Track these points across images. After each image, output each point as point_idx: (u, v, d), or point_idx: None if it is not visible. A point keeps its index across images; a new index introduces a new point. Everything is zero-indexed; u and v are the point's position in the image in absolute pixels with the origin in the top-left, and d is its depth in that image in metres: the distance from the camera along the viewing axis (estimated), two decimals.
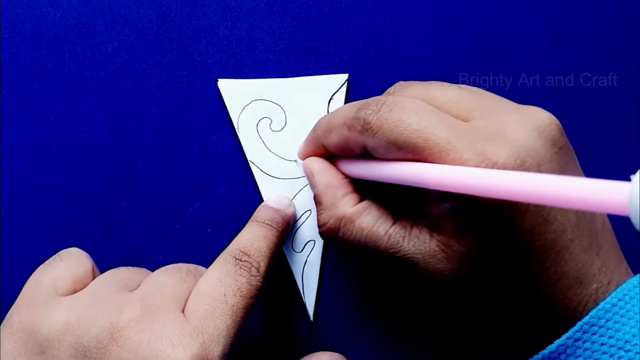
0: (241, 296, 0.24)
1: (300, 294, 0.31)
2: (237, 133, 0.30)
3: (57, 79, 0.31)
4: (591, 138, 0.31)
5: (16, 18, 0.30)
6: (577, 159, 0.25)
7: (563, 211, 0.23)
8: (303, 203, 0.31)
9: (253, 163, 0.31)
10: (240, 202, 0.31)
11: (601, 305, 0.23)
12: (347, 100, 0.31)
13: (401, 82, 0.27)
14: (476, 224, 0.23)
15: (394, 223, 0.25)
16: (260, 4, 0.31)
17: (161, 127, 0.31)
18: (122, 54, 0.31)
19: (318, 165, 0.27)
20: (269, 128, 0.30)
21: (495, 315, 0.25)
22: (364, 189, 0.27)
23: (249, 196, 0.31)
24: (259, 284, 0.25)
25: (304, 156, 0.28)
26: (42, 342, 0.23)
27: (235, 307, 0.24)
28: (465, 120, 0.24)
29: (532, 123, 0.23)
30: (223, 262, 0.25)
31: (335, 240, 0.26)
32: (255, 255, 0.26)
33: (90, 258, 0.26)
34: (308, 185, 0.30)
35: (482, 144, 0.22)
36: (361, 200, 0.26)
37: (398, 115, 0.23)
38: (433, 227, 0.24)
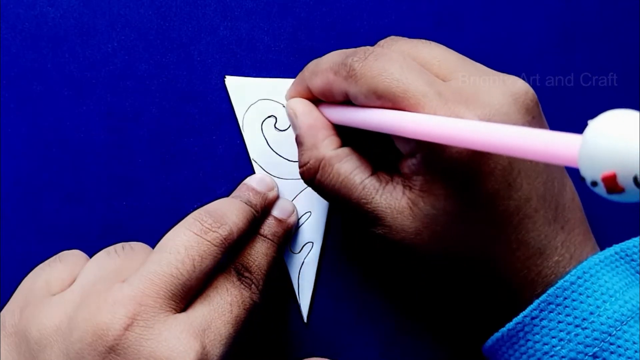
0: (244, 309, 0.25)
1: (296, 296, 0.31)
2: (242, 131, 0.30)
3: (57, 79, 0.31)
4: None
5: (16, 18, 0.30)
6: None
7: (530, 179, 0.23)
8: (303, 204, 0.31)
9: (256, 162, 0.31)
10: None
11: (559, 283, 0.23)
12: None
13: (392, 37, 0.27)
14: (441, 182, 0.23)
15: (371, 175, 0.25)
16: (260, 4, 0.31)
17: (161, 127, 0.31)
18: (122, 54, 0.31)
19: (302, 106, 0.28)
20: (274, 127, 0.30)
21: (456, 285, 0.25)
22: (348, 139, 0.27)
23: None
24: (258, 301, 0.26)
25: (290, 97, 0.29)
26: (33, 346, 0.23)
27: (238, 317, 0.25)
28: (444, 80, 0.25)
29: (508, 89, 0.24)
30: (228, 274, 0.26)
31: (313, 182, 0.26)
32: (256, 273, 0.27)
33: (85, 256, 0.26)
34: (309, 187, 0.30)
35: (455, 103, 0.23)
36: (342, 146, 0.26)
37: (382, 64, 0.24)
38: (406, 184, 0.24)
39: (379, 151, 0.26)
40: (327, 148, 0.26)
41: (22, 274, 0.26)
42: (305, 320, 0.31)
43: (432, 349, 0.31)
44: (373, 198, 0.25)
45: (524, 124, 0.23)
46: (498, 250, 0.24)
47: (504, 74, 0.25)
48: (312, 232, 0.31)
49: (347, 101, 0.26)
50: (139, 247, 0.26)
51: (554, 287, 0.23)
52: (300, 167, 0.27)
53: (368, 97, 0.24)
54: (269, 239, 0.28)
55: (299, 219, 0.31)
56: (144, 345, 0.22)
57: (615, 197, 0.15)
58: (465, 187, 0.23)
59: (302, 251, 0.31)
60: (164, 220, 0.31)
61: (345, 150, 0.26)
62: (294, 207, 0.30)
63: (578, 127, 0.31)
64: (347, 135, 0.27)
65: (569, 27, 0.31)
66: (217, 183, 0.31)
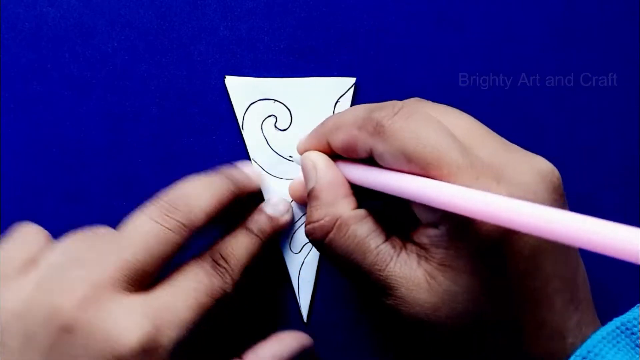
0: (211, 297, 0.25)
1: (295, 295, 0.31)
2: (242, 131, 0.30)
3: (57, 79, 0.31)
4: (591, 138, 0.31)
5: (16, 18, 0.30)
6: None
7: (553, 259, 0.23)
8: (303, 204, 0.31)
9: (255, 162, 0.31)
10: (241, 201, 0.31)
11: None
12: (354, 103, 0.31)
13: (417, 98, 0.26)
14: (466, 257, 0.22)
15: (386, 240, 0.24)
16: (260, 4, 0.31)
17: (161, 127, 0.31)
18: (122, 54, 0.31)
19: (322, 160, 0.26)
20: (274, 126, 0.30)
21: None
22: (360, 199, 0.26)
23: (250, 196, 0.31)
24: (229, 292, 0.26)
25: (305, 150, 0.27)
26: None
27: (203, 304, 0.24)
28: (472, 151, 0.23)
29: (536, 168, 0.23)
30: (202, 260, 0.26)
31: (323, 241, 0.25)
32: (233, 264, 0.26)
33: (44, 232, 0.26)
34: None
35: (486, 178, 0.22)
36: (358, 207, 0.25)
37: (415, 125, 0.23)
38: (422, 254, 0.23)
39: (391, 215, 0.25)
40: (346, 207, 0.25)
41: None
42: (305, 320, 0.31)
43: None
44: (387, 265, 0.23)
45: (552, 204, 0.22)
46: (519, 331, 0.23)
47: (529, 152, 0.24)
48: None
49: (366, 160, 0.25)
50: (103, 232, 0.26)
51: None
52: (311, 222, 0.25)
53: (396, 158, 0.23)
54: (254, 233, 0.28)
55: (299, 219, 0.31)
56: (96, 324, 0.22)
57: None
58: (493, 265, 0.22)
59: (302, 251, 0.31)
60: None
61: (362, 211, 0.25)
62: (290, 207, 0.30)
63: (578, 127, 0.32)
64: (360, 196, 0.26)
65: (569, 27, 0.31)
66: None
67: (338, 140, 0.25)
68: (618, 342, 0.23)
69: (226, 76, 0.31)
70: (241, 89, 0.30)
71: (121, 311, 0.23)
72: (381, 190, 0.24)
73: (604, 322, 0.23)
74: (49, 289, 0.23)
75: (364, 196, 0.26)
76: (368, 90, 0.31)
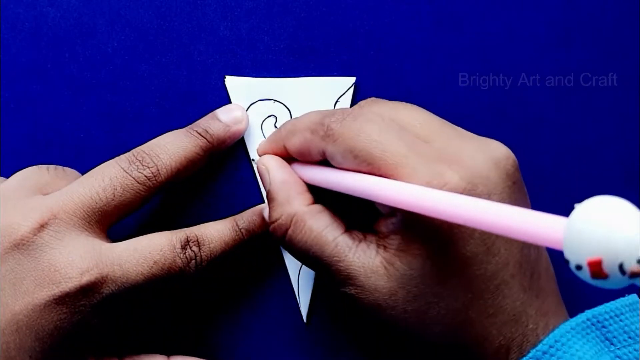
0: (166, 272, 0.25)
1: (295, 295, 0.31)
2: None
3: (57, 79, 0.31)
4: (591, 138, 0.31)
5: (16, 18, 0.30)
6: (528, 199, 0.25)
7: (508, 245, 0.23)
8: None
9: (255, 162, 0.31)
10: (240, 201, 0.31)
11: (532, 352, 0.22)
12: (354, 103, 0.31)
13: (373, 98, 0.27)
14: (420, 242, 0.23)
15: (344, 232, 0.25)
16: (260, 4, 0.31)
17: (161, 127, 0.31)
18: (122, 54, 0.31)
19: (274, 161, 0.28)
20: (274, 127, 0.30)
21: (427, 349, 0.24)
22: (320, 197, 0.27)
23: (250, 196, 0.31)
24: (187, 275, 0.26)
25: (262, 154, 0.29)
26: None
27: (154, 275, 0.25)
28: (425, 142, 0.24)
29: (490, 154, 0.24)
30: (175, 236, 0.26)
31: (284, 239, 0.26)
32: (205, 254, 0.27)
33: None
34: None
35: (437, 164, 0.23)
36: (314, 203, 0.26)
37: (360, 125, 0.24)
38: (381, 243, 0.24)
39: (350, 209, 0.26)
40: (300, 204, 0.26)
41: None
42: (305, 320, 0.31)
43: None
44: (346, 256, 0.24)
45: (503, 189, 0.23)
46: (473, 314, 0.23)
47: (486, 138, 0.25)
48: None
49: (322, 162, 0.26)
50: (70, 171, 0.28)
51: (527, 357, 0.22)
52: (270, 222, 0.26)
53: (345, 157, 0.24)
54: (239, 229, 0.28)
55: None
56: (47, 251, 0.24)
57: (598, 283, 0.16)
58: (445, 248, 0.23)
59: None
60: (163, 219, 0.31)
61: (318, 206, 0.26)
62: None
63: (578, 127, 0.32)
64: (319, 194, 0.27)
65: (569, 27, 0.31)
66: (216, 183, 0.31)
67: (293, 145, 0.27)
68: (587, 333, 0.23)
69: (226, 76, 0.31)
70: (241, 89, 0.30)
71: (74, 246, 0.24)
72: (334, 189, 0.25)
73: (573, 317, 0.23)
74: (9, 208, 0.25)
75: (326, 196, 0.26)
76: (368, 90, 0.31)
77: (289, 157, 0.28)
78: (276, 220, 0.26)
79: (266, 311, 0.31)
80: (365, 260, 0.24)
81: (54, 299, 0.23)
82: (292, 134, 0.27)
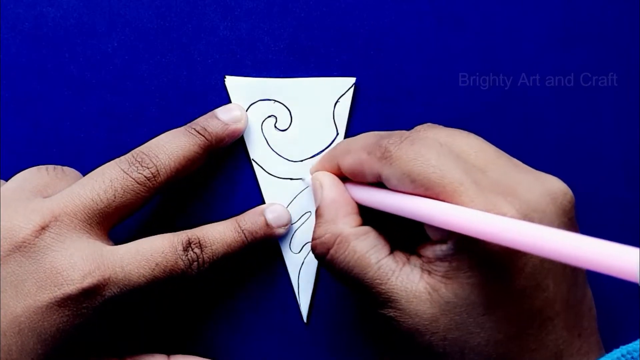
0: (167, 275, 0.25)
1: (295, 295, 0.31)
2: None
3: (57, 79, 0.31)
4: (591, 138, 0.31)
5: (16, 18, 0.30)
6: None
7: (557, 282, 0.23)
8: (303, 204, 0.31)
9: (255, 162, 0.31)
10: (241, 201, 0.31)
11: None
12: (354, 103, 0.31)
13: (429, 124, 0.27)
14: (470, 271, 0.23)
15: (388, 255, 0.25)
16: (260, 4, 0.31)
17: (161, 127, 0.31)
18: (122, 54, 0.31)
19: (329, 179, 0.27)
20: (274, 127, 0.30)
21: None
22: (367, 217, 0.27)
23: (250, 196, 0.31)
24: (189, 276, 0.26)
25: (316, 171, 0.29)
26: None
27: (155, 278, 0.25)
28: (481, 170, 0.24)
29: (547, 188, 0.24)
30: (177, 237, 0.26)
31: (325, 258, 0.26)
32: (207, 255, 0.27)
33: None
34: (309, 187, 0.30)
35: (493, 195, 0.22)
36: (362, 225, 0.26)
37: (418, 149, 0.24)
38: (425, 268, 0.24)
39: (397, 230, 0.26)
40: (347, 225, 0.26)
41: None
42: (305, 320, 0.31)
43: None
44: (389, 279, 0.24)
45: (559, 225, 0.23)
46: (515, 348, 0.23)
47: (542, 173, 0.25)
48: (311, 232, 0.31)
49: (376, 183, 0.26)
50: (70, 171, 0.28)
51: None
52: (313, 239, 0.26)
53: (401, 180, 0.24)
54: (241, 231, 0.28)
55: (298, 219, 0.31)
56: (48, 253, 0.24)
57: None
58: (494, 280, 0.22)
59: (302, 251, 0.31)
60: (164, 220, 0.31)
61: (364, 228, 0.26)
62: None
63: (578, 127, 0.32)
64: (368, 215, 0.26)
65: (569, 27, 0.31)
66: (216, 183, 0.31)
67: (347, 164, 0.26)
68: None
69: (226, 76, 0.31)
70: (241, 89, 0.30)
71: (76, 248, 0.24)
72: (387, 211, 0.25)
73: (608, 352, 0.23)
74: (11, 210, 0.24)
75: (374, 217, 0.26)
76: (368, 90, 0.31)
77: (344, 178, 0.28)
78: (319, 237, 0.26)
79: (266, 311, 0.31)
80: (408, 284, 0.24)
81: (56, 302, 0.24)
82: (347, 153, 0.26)
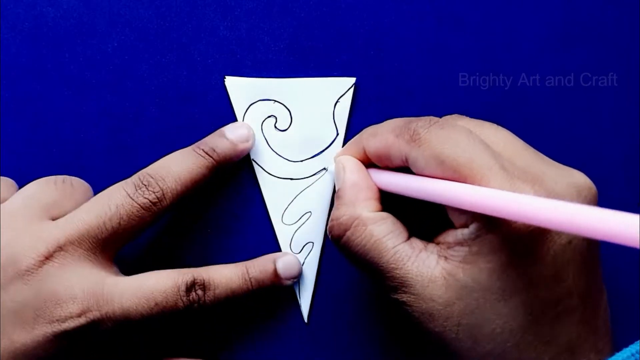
0: (166, 311, 0.26)
1: (295, 295, 0.31)
2: None
3: (57, 79, 0.31)
4: (591, 138, 0.31)
5: (16, 18, 0.30)
6: None
7: (577, 274, 0.23)
8: (304, 204, 0.31)
9: (255, 162, 0.31)
10: (241, 201, 0.31)
11: None
12: (354, 103, 0.31)
13: (457, 114, 0.27)
14: (488, 257, 0.22)
15: (405, 241, 0.25)
16: (260, 4, 0.31)
17: (161, 127, 0.31)
18: (122, 54, 0.31)
19: (352, 163, 0.27)
20: (274, 127, 0.30)
21: None
22: (387, 205, 0.26)
23: (250, 196, 0.31)
24: (191, 312, 0.26)
25: (341, 155, 0.29)
26: None
27: (152, 313, 0.25)
28: (509, 159, 0.24)
29: (573, 181, 0.24)
30: (182, 277, 0.26)
31: (340, 240, 0.26)
32: (209, 298, 0.27)
33: (13, 183, 0.28)
34: (309, 187, 0.30)
35: (520, 181, 0.22)
36: (381, 211, 0.26)
37: (448, 133, 0.24)
38: (442, 254, 0.24)
39: (416, 220, 0.26)
40: (365, 209, 0.26)
41: None
42: (305, 320, 0.31)
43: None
44: (404, 264, 0.24)
45: None
46: (529, 337, 0.23)
47: (568, 167, 0.25)
48: (312, 232, 0.31)
49: (400, 169, 0.26)
50: (78, 184, 0.28)
51: None
52: (331, 220, 0.26)
53: (429, 162, 0.24)
54: (249, 279, 0.28)
55: (298, 219, 0.31)
56: (49, 281, 0.24)
57: None
58: (515, 265, 0.22)
59: (302, 251, 0.31)
60: (163, 220, 0.31)
61: (383, 214, 0.26)
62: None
63: (578, 127, 0.32)
64: (387, 203, 0.27)
65: (569, 27, 0.31)
66: (216, 182, 0.31)
67: (373, 147, 0.26)
68: None
69: (226, 76, 0.31)
70: (241, 90, 0.30)
71: (77, 279, 0.24)
72: (412, 196, 0.25)
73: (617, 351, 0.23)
74: (17, 234, 0.25)
75: (394, 203, 0.26)
76: (368, 90, 0.31)
77: (369, 162, 0.28)
78: (337, 219, 0.26)
79: (267, 311, 0.31)
80: (424, 269, 0.24)
81: (52, 334, 0.24)
82: (374, 136, 0.26)
